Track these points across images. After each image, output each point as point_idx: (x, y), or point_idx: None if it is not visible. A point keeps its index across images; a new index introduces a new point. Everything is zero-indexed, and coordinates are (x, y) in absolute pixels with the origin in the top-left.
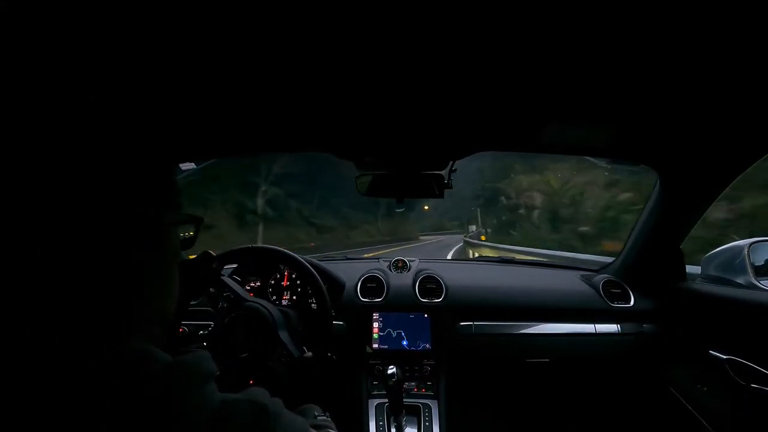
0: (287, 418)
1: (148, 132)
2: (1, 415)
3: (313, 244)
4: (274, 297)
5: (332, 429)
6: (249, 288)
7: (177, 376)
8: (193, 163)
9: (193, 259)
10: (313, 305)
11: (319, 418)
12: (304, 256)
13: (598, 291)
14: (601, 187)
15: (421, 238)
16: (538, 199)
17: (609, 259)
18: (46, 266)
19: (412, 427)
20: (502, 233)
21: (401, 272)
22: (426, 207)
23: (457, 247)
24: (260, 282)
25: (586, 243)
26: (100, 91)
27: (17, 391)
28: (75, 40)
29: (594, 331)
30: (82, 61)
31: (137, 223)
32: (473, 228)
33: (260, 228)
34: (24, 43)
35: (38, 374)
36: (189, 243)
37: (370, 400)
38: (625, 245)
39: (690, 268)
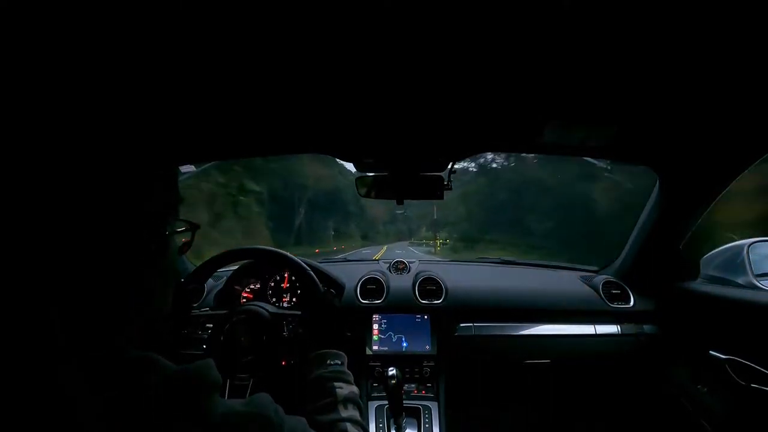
0: (288, 426)
1: (150, 133)
2: None
3: None
4: (274, 299)
5: (340, 381)
6: (248, 290)
7: (177, 389)
8: (192, 166)
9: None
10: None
11: (330, 367)
12: (303, 258)
13: (597, 292)
14: None
15: None
16: None
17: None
18: (48, 265)
19: (412, 429)
20: None
21: (401, 274)
22: None
23: None
24: (259, 284)
25: None
26: (102, 92)
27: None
28: (75, 40)
29: (594, 332)
30: (83, 63)
31: (143, 225)
32: None
33: None
34: (23, 44)
35: (27, 386)
36: (184, 249)
37: (369, 402)
38: (624, 246)
39: None
